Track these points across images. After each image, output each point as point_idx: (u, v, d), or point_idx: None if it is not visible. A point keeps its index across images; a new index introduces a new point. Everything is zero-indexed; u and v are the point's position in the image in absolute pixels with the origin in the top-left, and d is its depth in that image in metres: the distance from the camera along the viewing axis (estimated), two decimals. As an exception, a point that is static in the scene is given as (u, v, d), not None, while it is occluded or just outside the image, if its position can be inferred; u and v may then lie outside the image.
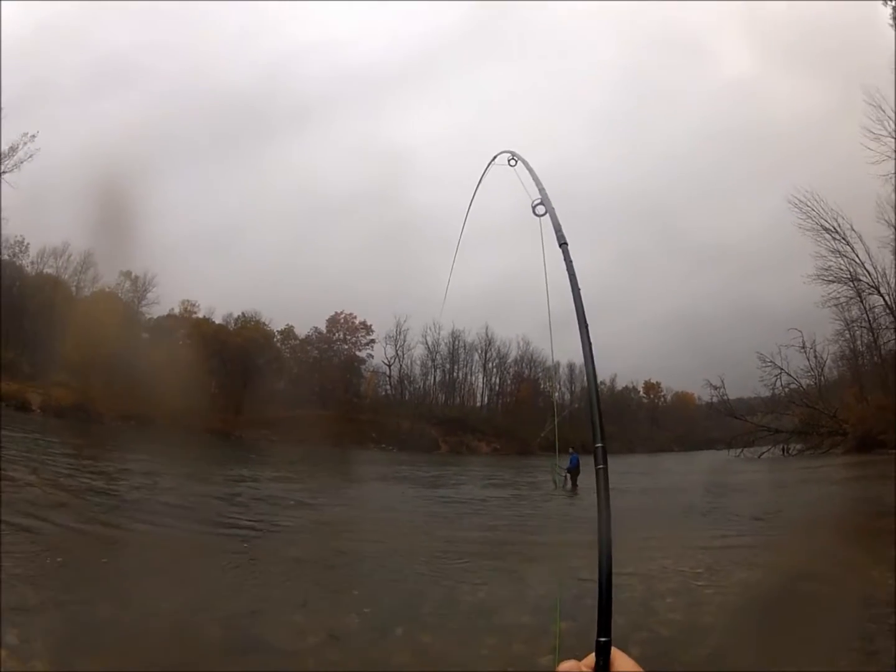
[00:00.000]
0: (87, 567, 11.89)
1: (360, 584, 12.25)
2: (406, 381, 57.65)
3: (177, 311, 49.54)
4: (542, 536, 18.43)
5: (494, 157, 3.15)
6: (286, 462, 36.06)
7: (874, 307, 40.64)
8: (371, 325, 54.87)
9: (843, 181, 47.58)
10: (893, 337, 40.90)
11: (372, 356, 55.69)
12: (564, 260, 2.33)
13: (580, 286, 2.21)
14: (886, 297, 39.64)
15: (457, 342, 57.88)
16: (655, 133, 69.96)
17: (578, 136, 74.68)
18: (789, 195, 41.90)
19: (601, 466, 1.87)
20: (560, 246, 2.38)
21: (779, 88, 61.26)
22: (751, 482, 32.07)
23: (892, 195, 36.71)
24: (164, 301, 47.96)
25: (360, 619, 10.15)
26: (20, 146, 39.41)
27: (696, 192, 65.20)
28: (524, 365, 58.00)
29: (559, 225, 2.43)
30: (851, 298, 40.84)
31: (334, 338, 55.05)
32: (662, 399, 62.53)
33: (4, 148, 39.18)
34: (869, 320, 41.43)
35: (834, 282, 40.42)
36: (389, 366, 56.24)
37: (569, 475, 29.08)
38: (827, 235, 40.60)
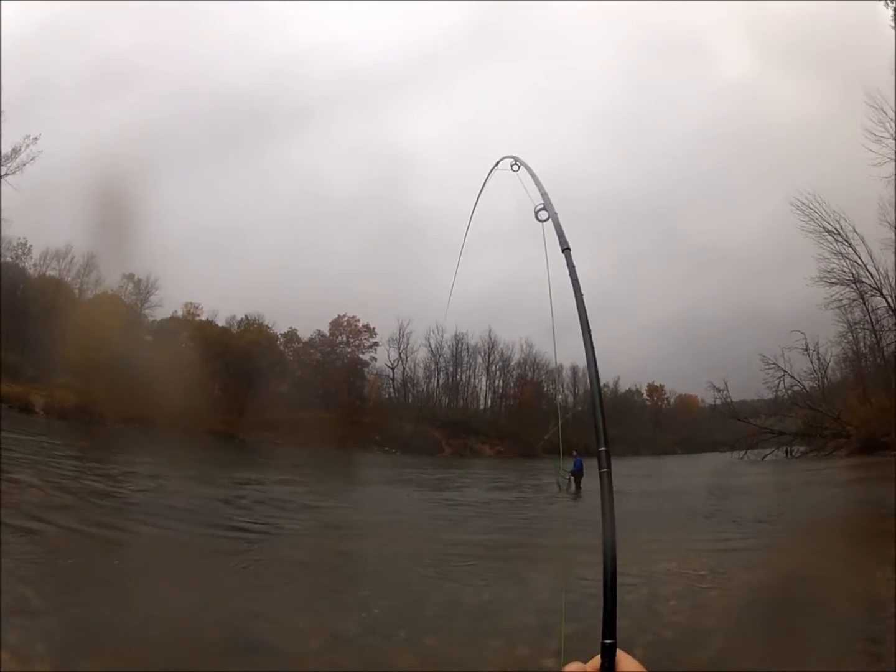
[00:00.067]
0: (92, 569, 11.91)
1: (365, 586, 12.26)
2: (409, 384, 57.65)
3: (180, 313, 49.64)
4: (547, 539, 18.40)
5: (497, 163, 3.17)
6: (291, 465, 36.07)
7: (877, 309, 40.62)
8: (374, 328, 54.93)
9: (845, 183, 47.58)
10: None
11: (375, 359, 55.73)
12: (567, 265, 2.34)
13: (582, 291, 2.23)
14: (889, 300, 39.60)
15: (460, 345, 57.93)
16: (656, 136, 69.92)
17: (578, 138, 74.82)
18: (791, 197, 41.88)
19: (605, 470, 1.89)
20: (563, 251, 2.39)
21: (780, 91, 61.23)
22: (754, 484, 32.06)
23: (894, 197, 36.66)
24: (167, 304, 48.05)
25: (364, 621, 10.15)
26: (22, 148, 39.49)
27: (697, 196, 65.29)
28: (527, 368, 58.03)
29: (562, 230, 2.45)
30: (854, 300, 40.83)
31: (337, 341, 55.09)
32: (666, 402, 62.49)
33: (7, 150, 39.27)
34: (872, 322, 41.42)
35: (837, 284, 40.41)
36: (393, 369, 56.28)
37: (572, 478, 29.05)
38: (829, 237, 40.58)
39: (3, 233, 42.23)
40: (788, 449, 42.93)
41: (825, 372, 45.15)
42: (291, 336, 53.34)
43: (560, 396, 56.03)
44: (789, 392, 44.20)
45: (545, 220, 2.51)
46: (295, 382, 52.34)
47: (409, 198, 67.54)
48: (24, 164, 39.39)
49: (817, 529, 16.83)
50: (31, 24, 43.12)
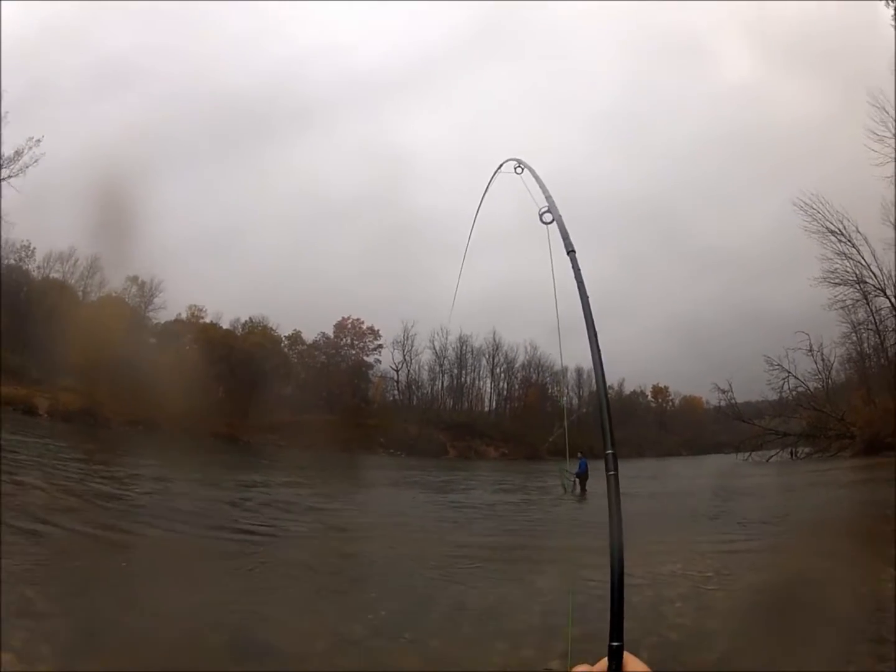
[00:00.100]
0: (98, 571, 11.92)
1: (370, 588, 12.26)
2: (414, 386, 57.57)
3: (184, 316, 49.63)
4: (552, 541, 18.40)
5: (501, 165, 3.19)
6: (295, 467, 36.11)
7: (880, 309, 40.57)
8: (378, 331, 54.86)
9: (847, 183, 47.49)
10: (899, 339, 40.88)
11: (380, 361, 55.64)
12: (573, 268, 2.34)
13: (588, 294, 2.23)
14: (892, 300, 39.51)
15: (464, 347, 57.82)
16: (657, 136, 69.76)
17: (579, 139, 74.66)
18: (794, 198, 41.76)
19: (612, 473, 1.89)
20: (568, 253, 2.40)
21: (781, 91, 61.01)
22: (759, 486, 32.01)
23: (894, 197, 36.59)
24: (171, 306, 47.99)
25: (371, 623, 10.15)
26: (25, 150, 39.55)
27: (700, 196, 65.09)
28: (532, 370, 57.93)
29: (567, 233, 2.45)
30: (858, 301, 40.76)
31: (342, 343, 55.05)
32: (670, 403, 62.39)
33: (10, 152, 39.33)
34: (875, 322, 41.35)
35: (840, 284, 40.34)
36: (397, 371, 56.21)
37: (577, 480, 29.04)
38: (832, 238, 40.49)
39: (6, 235, 42.32)
40: (793, 450, 42.84)
41: (829, 373, 45.10)
42: (296, 338, 53.37)
43: (565, 398, 56.01)
44: (794, 393, 44.16)
45: (550, 223, 2.51)
46: (299, 385, 52.32)
47: (410, 198, 67.49)
48: (27, 167, 39.48)
49: (822, 531, 16.80)
50: (31, 24, 43.11)
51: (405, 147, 68.77)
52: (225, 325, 50.87)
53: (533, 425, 51.36)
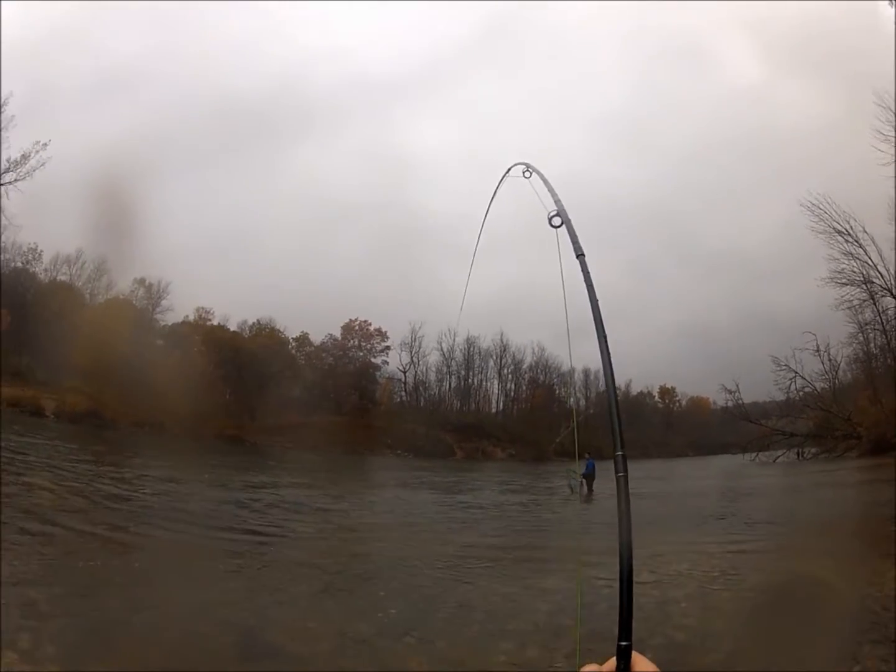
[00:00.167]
0: (107, 571, 11.97)
1: (377, 588, 12.29)
2: (421, 388, 57.47)
3: (191, 318, 49.65)
4: (559, 541, 18.41)
5: (509, 169, 3.20)
6: (303, 468, 36.18)
7: (887, 310, 40.45)
8: (386, 332, 54.80)
9: (854, 183, 47.17)
10: (906, 339, 40.79)
11: (387, 363, 55.53)
12: (582, 271, 2.36)
13: (597, 297, 2.25)
14: (899, 300, 39.46)
15: (472, 348, 57.70)
16: (662, 139, 69.43)
17: (584, 142, 74.22)
18: (801, 198, 41.64)
19: (622, 474, 1.91)
20: (577, 257, 2.41)
21: (787, 92, 60.74)
22: (765, 486, 32.00)
23: (894, 196, 36.50)
24: (178, 308, 47.95)
25: (376, 623, 10.19)
26: (32, 154, 39.63)
27: (706, 199, 64.79)
28: (539, 371, 57.84)
29: (576, 236, 2.47)
30: (865, 301, 40.57)
31: (349, 344, 54.97)
32: (678, 404, 62.27)
33: (17, 155, 39.41)
34: (882, 323, 41.18)
35: (847, 284, 40.17)
36: (405, 372, 56.10)
37: (584, 480, 29.01)
38: (839, 238, 40.35)
39: (13, 238, 42.43)
40: (800, 451, 42.75)
41: (836, 373, 44.94)
42: (303, 340, 53.34)
43: (572, 399, 55.93)
44: (800, 393, 44.03)
45: (559, 227, 2.52)
46: (306, 386, 52.25)
47: (417, 200, 67.31)
48: (34, 170, 39.55)
49: (828, 531, 16.77)
50: (34, 26, 43.11)
51: (411, 149, 68.67)
52: (232, 327, 50.91)
53: (540, 426, 51.28)
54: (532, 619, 10.36)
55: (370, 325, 54.71)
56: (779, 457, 42.65)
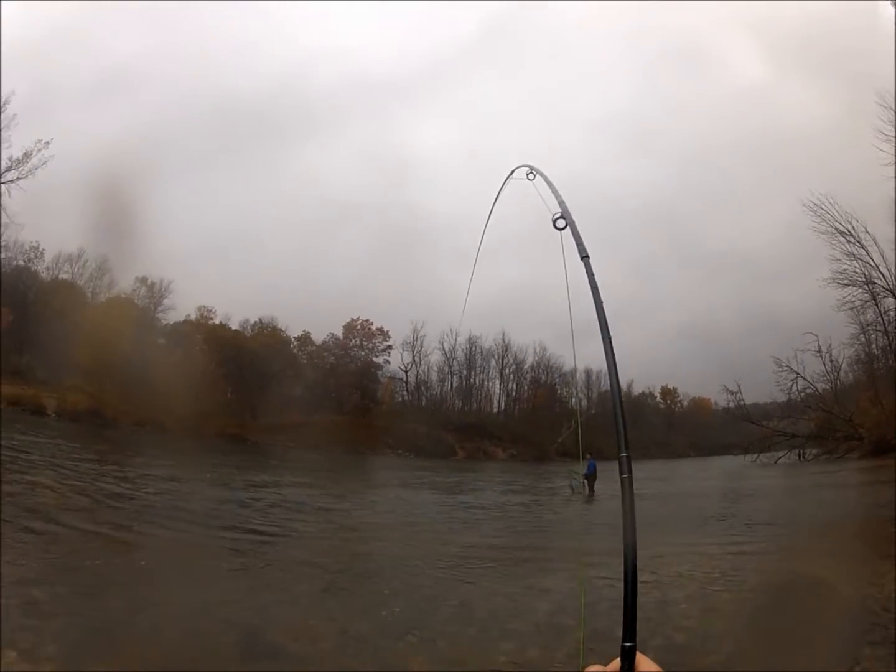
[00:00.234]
0: (108, 570, 11.98)
1: (379, 588, 12.31)
2: (423, 387, 57.38)
3: (193, 317, 49.64)
4: (561, 542, 18.42)
5: (512, 172, 3.21)
6: (306, 468, 36.21)
7: (889, 310, 40.41)
8: (388, 332, 54.76)
9: (857, 184, 47.11)
10: (907, 340, 40.76)
11: (389, 362, 55.43)
12: (587, 273, 2.37)
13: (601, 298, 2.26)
14: (900, 301, 39.42)
15: (473, 348, 57.67)
16: (664, 140, 69.31)
17: (586, 143, 74.07)
18: (804, 199, 41.58)
19: (626, 476, 1.92)
20: (582, 259, 2.42)
21: (789, 92, 60.61)
22: (767, 487, 32.00)
23: (894, 196, 36.45)
24: (180, 307, 47.96)
25: (378, 623, 10.20)
26: (34, 152, 39.67)
27: (708, 199, 64.63)
28: (541, 371, 57.79)
29: (580, 238, 2.48)
30: (867, 302, 40.51)
31: (351, 344, 54.90)
32: (679, 404, 62.23)
33: (19, 154, 39.45)
34: (884, 323, 41.11)
35: (849, 285, 40.09)
36: (406, 372, 56.01)
37: (586, 481, 29.01)
38: (841, 238, 40.30)
39: (15, 236, 42.47)
40: (801, 451, 42.73)
41: (838, 374, 44.91)
42: (305, 339, 53.31)
43: (574, 399, 55.89)
44: (802, 395, 43.99)
45: (563, 229, 2.53)
46: (308, 385, 52.23)
47: (418, 201, 67.18)
48: (36, 168, 39.60)
49: (829, 532, 16.77)
50: (35, 25, 43.11)
51: (411, 149, 68.53)
52: (234, 326, 50.90)
53: (542, 426, 51.25)
54: (533, 619, 10.37)
55: (372, 324, 54.68)
56: (780, 458, 42.62)
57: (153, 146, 43.74)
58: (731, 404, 48.11)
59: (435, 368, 57.26)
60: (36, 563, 11.29)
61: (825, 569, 11.64)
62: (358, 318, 54.23)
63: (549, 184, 2.85)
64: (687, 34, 62.18)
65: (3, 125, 38.44)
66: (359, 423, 47.12)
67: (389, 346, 55.27)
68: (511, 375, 58.78)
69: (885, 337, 41.97)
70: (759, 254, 55.10)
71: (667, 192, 62.22)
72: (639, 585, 1.83)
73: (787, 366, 43.28)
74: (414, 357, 56.19)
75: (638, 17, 62.99)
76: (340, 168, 60.37)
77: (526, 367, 58.50)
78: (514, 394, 59.36)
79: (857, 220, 40.01)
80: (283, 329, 52.24)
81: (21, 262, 46.05)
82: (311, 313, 50.05)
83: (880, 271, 39.59)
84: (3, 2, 35.32)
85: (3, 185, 38.79)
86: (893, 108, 36.47)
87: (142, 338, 42.71)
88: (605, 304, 2.24)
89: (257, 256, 55.60)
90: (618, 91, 67.34)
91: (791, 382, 43.63)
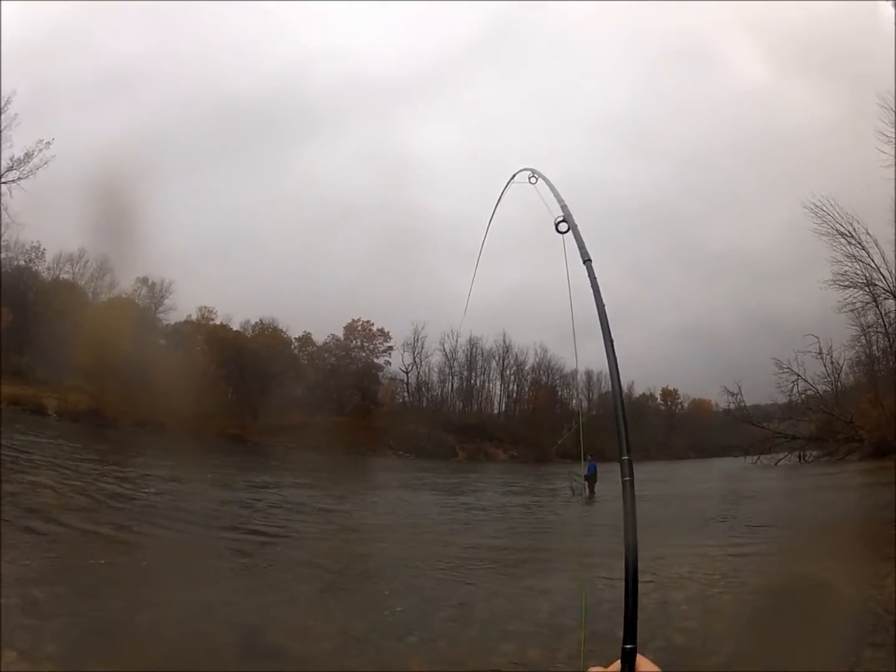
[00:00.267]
0: (107, 571, 11.99)
1: (380, 588, 12.31)
2: (424, 389, 57.35)
3: (194, 317, 49.61)
4: (561, 543, 18.40)
5: (514, 175, 3.21)
6: (306, 468, 36.21)
7: (889, 312, 40.37)
8: (389, 333, 54.71)
9: (858, 185, 47.06)
10: (908, 342, 40.74)
11: (389, 363, 55.36)
12: (589, 276, 2.37)
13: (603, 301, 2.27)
14: (901, 302, 39.40)
15: (474, 349, 57.63)
16: (664, 141, 69.25)
17: (587, 144, 74.03)
18: (805, 200, 41.54)
19: (628, 479, 1.93)
20: (584, 262, 2.43)
21: (791, 93, 60.56)
22: (767, 489, 32.00)
23: (894, 197, 36.43)
24: (181, 307, 47.96)
25: (378, 623, 10.21)
26: (35, 152, 39.69)
27: (709, 201, 64.54)
28: (541, 372, 57.72)
29: (582, 242, 2.48)
30: (867, 303, 40.48)
31: (352, 345, 54.84)
32: (679, 406, 62.17)
33: (20, 154, 39.46)
34: (885, 325, 41.07)
35: (850, 287, 40.04)
36: (407, 373, 55.95)
37: (586, 482, 28.99)
38: (842, 240, 40.25)
39: (16, 236, 42.47)
40: (802, 453, 42.69)
41: (838, 376, 44.86)
42: (305, 340, 53.28)
43: (575, 401, 55.84)
44: (803, 396, 43.95)
45: (565, 232, 2.54)
46: (309, 386, 52.19)
47: (419, 202, 67.04)
48: (37, 168, 39.60)
49: (830, 534, 16.77)
50: (37, 26, 43.17)
51: (412, 149, 68.49)
52: (235, 327, 50.84)
53: (542, 428, 51.24)
54: (533, 620, 10.38)
55: (373, 325, 54.65)
56: (780, 459, 42.58)
57: (153, 146, 43.73)
58: (732, 406, 48.06)
59: (436, 369, 57.20)
60: (36, 563, 11.31)
61: (826, 570, 11.64)
62: (359, 319, 54.21)
63: (552, 187, 2.86)
64: (688, 35, 62.11)
65: (4, 125, 38.47)
66: (359, 425, 47.11)
67: (390, 347, 55.22)
68: (512, 377, 58.73)
69: (886, 339, 41.93)
70: (760, 255, 55.02)
71: (667, 193, 62.14)
72: (639, 586, 1.84)
73: (787, 367, 43.23)
74: (415, 358, 56.14)
75: (639, 17, 62.92)
76: (341, 168, 60.29)
77: (527, 368, 58.44)
78: (514, 395, 59.30)
79: (858, 222, 39.94)
80: (284, 330, 52.22)
81: (22, 262, 46.04)
82: (312, 314, 50.02)
83: (881, 273, 39.56)
84: (3, 2, 35.36)
85: (4, 185, 38.81)
86: (894, 109, 36.44)
87: (142, 338, 42.69)
88: (606, 305, 2.25)
89: (258, 257, 55.55)
90: (619, 92, 67.25)
91: (792, 384, 43.59)
